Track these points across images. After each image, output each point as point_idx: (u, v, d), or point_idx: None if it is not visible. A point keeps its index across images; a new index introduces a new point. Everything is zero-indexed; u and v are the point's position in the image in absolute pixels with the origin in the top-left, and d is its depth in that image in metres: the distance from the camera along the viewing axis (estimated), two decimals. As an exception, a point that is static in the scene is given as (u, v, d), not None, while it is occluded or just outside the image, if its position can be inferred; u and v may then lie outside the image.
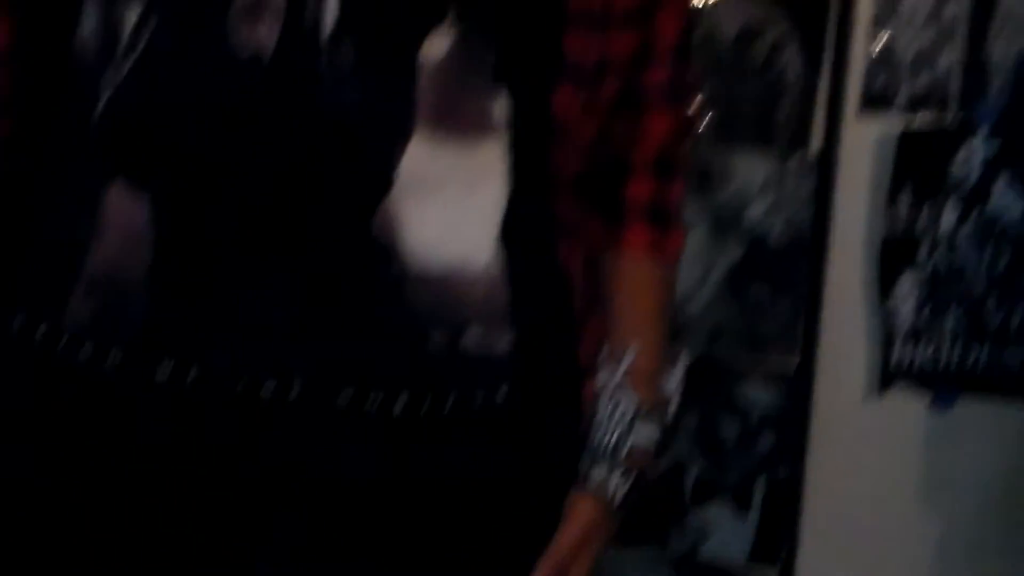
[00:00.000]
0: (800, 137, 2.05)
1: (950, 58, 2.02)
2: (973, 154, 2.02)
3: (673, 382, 1.08)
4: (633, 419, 1.03)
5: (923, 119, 2.04)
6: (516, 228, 1.00)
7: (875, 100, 2.04)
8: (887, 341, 2.09)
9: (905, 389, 2.11)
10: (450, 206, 0.99)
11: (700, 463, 2.17)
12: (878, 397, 2.12)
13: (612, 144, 1.07)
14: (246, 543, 0.99)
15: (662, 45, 1.06)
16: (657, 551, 2.18)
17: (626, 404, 1.03)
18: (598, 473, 1.02)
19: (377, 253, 0.97)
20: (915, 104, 2.03)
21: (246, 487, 0.99)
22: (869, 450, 2.15)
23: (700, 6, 2.02)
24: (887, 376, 2.11)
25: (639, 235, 1.08)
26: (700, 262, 2.10)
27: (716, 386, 2.14)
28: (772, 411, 2.14)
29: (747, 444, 2.15)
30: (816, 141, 2.04)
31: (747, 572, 2.19)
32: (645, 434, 1.03)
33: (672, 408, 1.07)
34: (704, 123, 2.04)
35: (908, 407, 2.12)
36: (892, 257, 2.06)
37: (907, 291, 2.08)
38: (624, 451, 1.02)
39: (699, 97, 2.00)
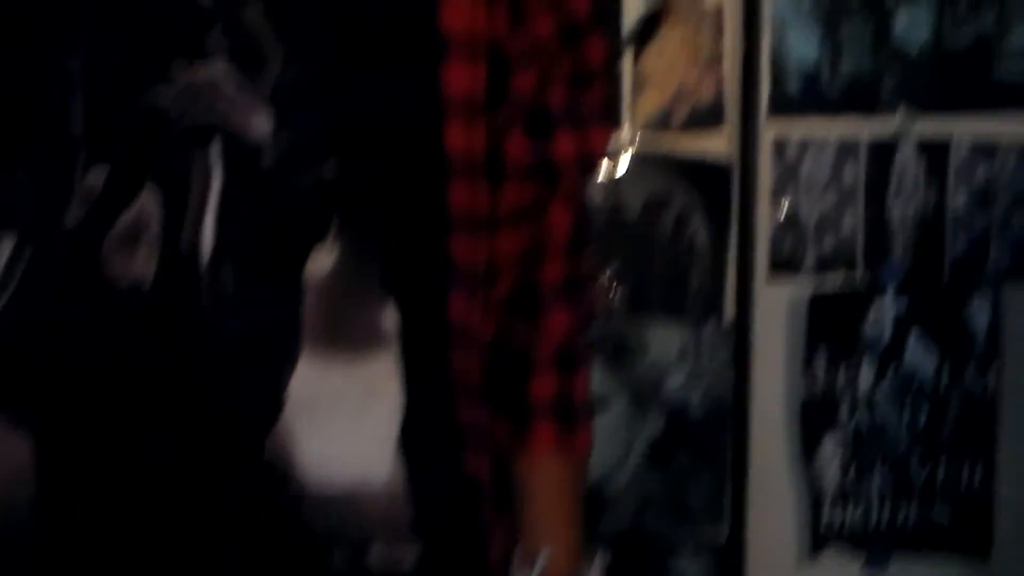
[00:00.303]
0: (713, 305, 2.05)
1: (853, 221, 2.05)
2: (883, 313, 2.04)
3: None
4: None
5: (832, 281, 2.05)
6: (416, 439, 0.98)
7: (783, 265, 2.05)
8: (815, 504, 2.08)
9: (837, 551, 2.09)
10: (345, 423, 0.97)
11: (636, 640, 2.13)
12: (811, 561, 2.09)
13: (512, 343, 1.06)
14: None
15: (554, 242, 1.06)
16: None
17: None
18: None
19: (272, 477, 0.95)
20: (823, 266, 2.05)
21: None
22: (807, 615, 2.13)
23: (606, 181, 2.04)
24: (818, 539, 2.10)
25: (546, 434, 1.05)
26: (622, 436, 2.08)
27: (647, 560, 2.11)
28: (705, 583, 2.11)
29: (683, 618, 2.12)
30: (729, 308, 2.05)
31: None
32: None
33: None
34: (615, 296, 2.04)
35: (842, 569, 2.10)
36: (813, 419, 2.06)
37: (831, 452, 2.07)
38: None
39: (606, 274, 2.01)
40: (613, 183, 2.04)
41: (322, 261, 0.96)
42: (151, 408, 0.94)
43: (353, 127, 0.96)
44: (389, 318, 0.98)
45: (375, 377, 0.99)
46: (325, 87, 0.94)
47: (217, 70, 0.93)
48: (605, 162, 2.01)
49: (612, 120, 1.99)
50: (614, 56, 2.03)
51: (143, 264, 0.94)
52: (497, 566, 1.04)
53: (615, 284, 2.04)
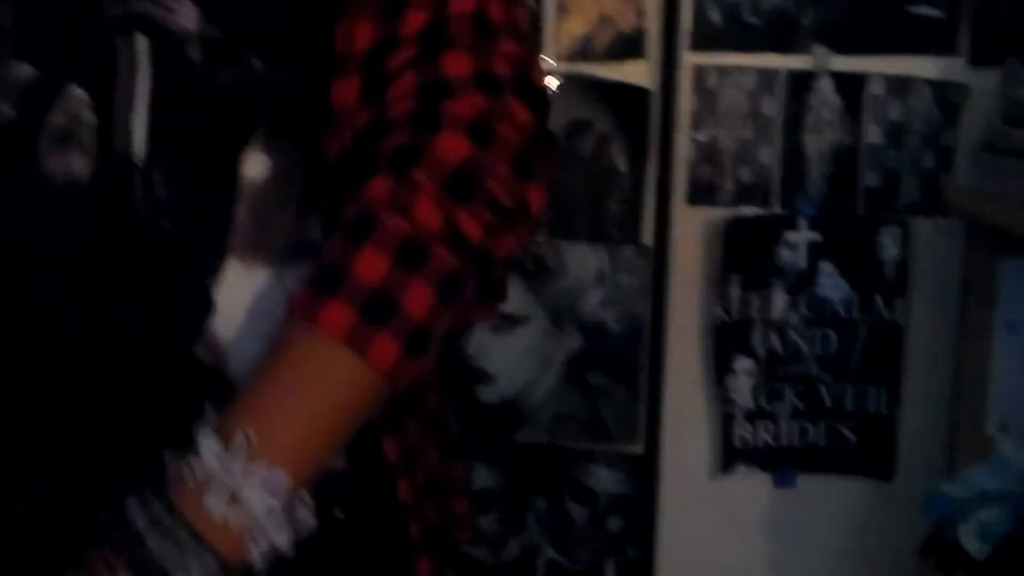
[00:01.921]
0: (631, 228, 2.08)
1: (769, 153, 2.07)
2: (797, 242, 2.07)
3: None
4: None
5: (748, 212, 2.08)
6: None
7: (701, 193, 2.08)
8: (727, 422, 2.13)
9: (748, 468, 2.15)
10: (268, 332, 0.94)
11: (550, 547, 2.19)
12: (723, 476, 2.15)
13: None
14: None
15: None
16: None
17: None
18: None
19: (205, 379, 0.95)
20: (740, 196, 2.08)
21: None
22: (717, 529, 2.18)
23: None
24: (730, 456, 2.15)
25: (336, 310, 0.88)
26: (539, 353, 2.12)
27: (563, 472, 2.17)
28: (620, 495, 2.17)
29: (596, 527, 2.18)
30: (647, 232, 2.08)
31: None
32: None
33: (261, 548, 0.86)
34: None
35: (752, 486, 2.16)
36: (726, 342, 2.11)
37: (743, 374, 2.12)
38: None
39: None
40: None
41: (253, 167, 0.95)
42: (82, 302, 0.94)
43: (275, 26, 0.95)
44: (315, 231, 0.96)
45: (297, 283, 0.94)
46: None
47: None
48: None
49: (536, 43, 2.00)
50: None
51: (79, 162, 0.93)
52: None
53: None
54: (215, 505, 0.85)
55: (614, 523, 2.18)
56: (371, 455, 0.98)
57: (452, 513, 1.12)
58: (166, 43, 0.93)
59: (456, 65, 0.94)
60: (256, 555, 0.86)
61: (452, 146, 0.92)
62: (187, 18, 0.93)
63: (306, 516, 0.89)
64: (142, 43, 0.93)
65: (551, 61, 2.04)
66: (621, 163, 2.06)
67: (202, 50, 0.94)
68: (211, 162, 0.95)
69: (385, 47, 0.95)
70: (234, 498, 0.85)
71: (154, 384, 0.95)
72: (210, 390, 0.94)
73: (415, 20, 0.95)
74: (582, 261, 2.08)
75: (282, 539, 0.87)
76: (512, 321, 2.10)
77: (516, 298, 2.09)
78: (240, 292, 0.96)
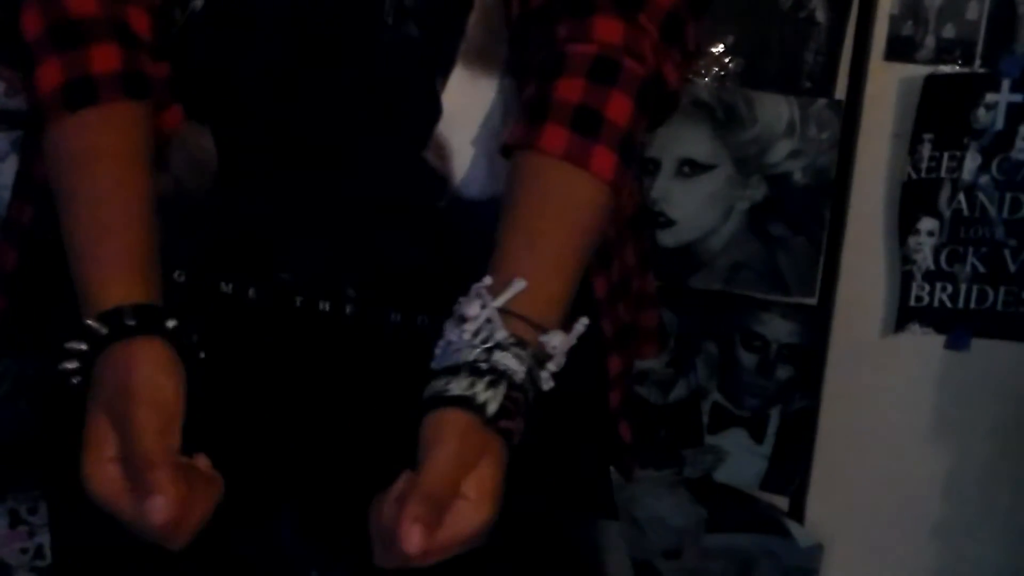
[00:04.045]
0: (825, 82, 2.06)
1: (977, 9, 2.02)
2: (997, 103, 2.03)
3: (560, 342, 0.93)
4: (500, 347, 0.90)
5: (947, 70, 2.04)
6: None
7: (901, 48, 2.05)
8: (905, 281, 2.12)
9: (923, 328, 2.15)
10: (487, 139, 1.01)
11: (717, 392, 2.23)
12: (895, 334, 2.15)
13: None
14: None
15: None
16: (674, 474, 2.25)
17: (495, 335, 0.90)
18: (458, 385, 0.88)
19: (432, 181, 1.01)
20: (940, 54, 2.04)
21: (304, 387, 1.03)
22: (884, 386, 2.19)
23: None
24: (904, 315, 2.15)
25: (556, 138, 0.96)
26: (722, 200, 2.13)
27: (736, 318, 2.19)
28: (790, 344, 2.18)
29: (764, 375, 2.20)
30: (841, 87, 2.06)
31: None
32: (512, 365, 0.90)
33: (550, 370, 0.92)
34: (730, 66, 2.06)
35: (924, 346, 2.16)
36: (912, 200, 2.09)
37: (926, 234, 2.11)
38: (487, 365, 0.89)
39: (721, 45, 2.03)
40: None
41: None
42: (327, 101, 0.99)
43: None
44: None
45: (515, 97, 1.00)
46: None
47: None
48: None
49: None
50: None
51: None
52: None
53: (730, 54, 2.06)
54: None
55: (783, 372, 2.20)
56: None
57: (641, 324, 1.16)
58: None
59: None
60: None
61: None
62: None
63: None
64: None
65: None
66: (821, 14, 2.03)
67: None
68: None
69: None
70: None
71: (387, 183, 1.01)
72: (435, 193, 1.01)
73: None
74: (773, 111, 2.07)
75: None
76: (697, 167, 2.11)
77: (703, 145, 2.09)
78: (465, 100, 1.01)
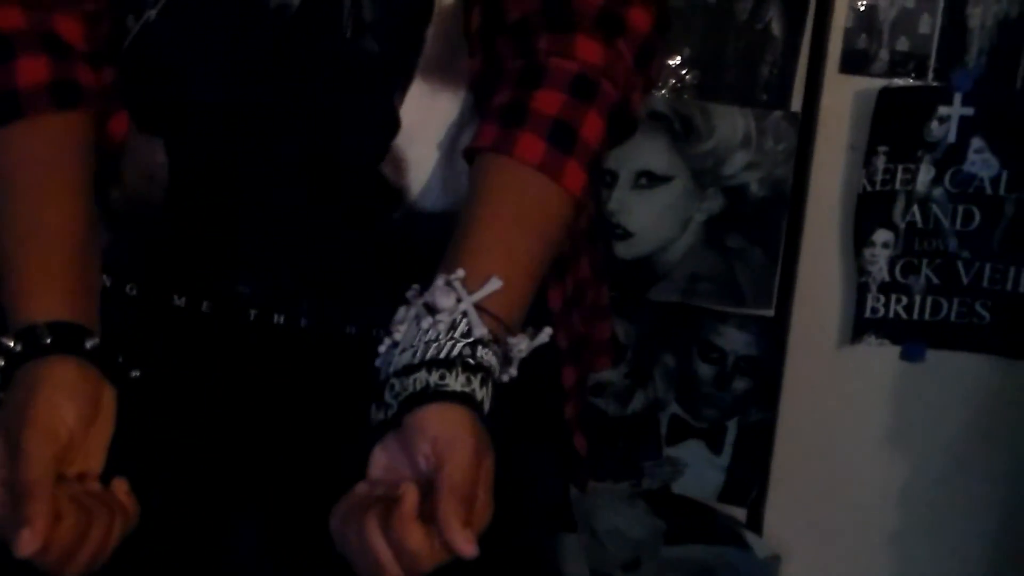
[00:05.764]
0: (781, 93, 2.07)
1: (929, 24, 2.04)
2: (950, 116, 2.05)
3: (525, 347, 0.92)
4: (482, 343, 0.89)
5: (900, 83, 2.06)
6: None
7: (855, 61, 2.06)
8: (861, 293, 2.14)
9: (878, 339, 2.16)
10: (446, 151, 1.01)
11: (675, 404, 2.23)
12: (851, 345, 2.16)
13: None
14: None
15: None
16: (632, 486, 2.25)
17: (475, 331, 0.89)
18: (456, 380, 0.87)
19: (386, 193, 1.01)
20: (894, 67, 2.05)
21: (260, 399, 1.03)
22: (840, 397, 2.20)
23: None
24: (860, 326, 2.16)
25: (533, 147, 0.95)
26: (680, 212, 2.14)
27: (694, 330, 2.19)
28: (747, 356, 2.19)
29: (722, 387, 2.21)
30: (797, 98, 2.07)
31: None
32: (494, 363, 0.90)
33: (510, 374, 0.91)
34: (687, 78, 2.07)
35: (880, 357, 2.17)
36: (867, 212, 2.10)
37: (881, 245, 2.12)
38: (474, 361, 0.88)
39: (678, 58, 2.03)
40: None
41: None
42: (285, 119, 0.99)
43: None
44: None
45: (472, 110, 1.01)
46: None
47: None
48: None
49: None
50: None
51: None
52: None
53: (687, 67, 2.07)
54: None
55: (740, 383, 2.20)
56: None
57: (594, 336, 1.16)
58: None
59: None
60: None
61: (641, 19, 0.99)
62: None
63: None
64: None
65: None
66: (777, 27, 2.05)
67: None
68: None
69: None
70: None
71: (343, 196, 1.00)
72: (388, 206, 1.00)
73: None
74: (729, 123, 2.08)
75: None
76: (655, 179, 2.11)
77: (660, 157, 2.10)
78: (423, 114, 1.00)
